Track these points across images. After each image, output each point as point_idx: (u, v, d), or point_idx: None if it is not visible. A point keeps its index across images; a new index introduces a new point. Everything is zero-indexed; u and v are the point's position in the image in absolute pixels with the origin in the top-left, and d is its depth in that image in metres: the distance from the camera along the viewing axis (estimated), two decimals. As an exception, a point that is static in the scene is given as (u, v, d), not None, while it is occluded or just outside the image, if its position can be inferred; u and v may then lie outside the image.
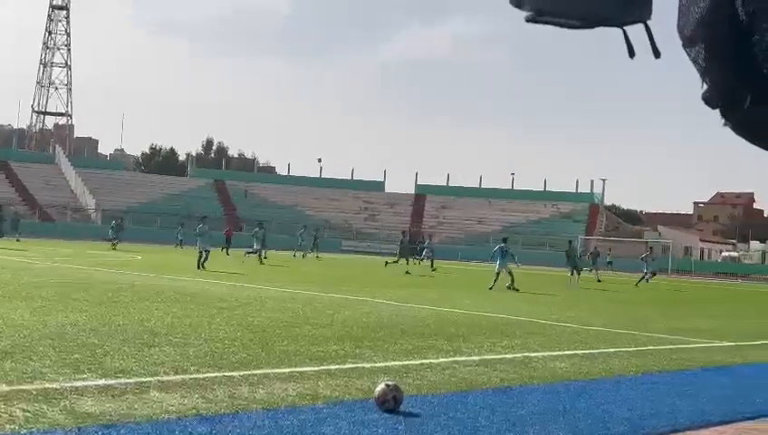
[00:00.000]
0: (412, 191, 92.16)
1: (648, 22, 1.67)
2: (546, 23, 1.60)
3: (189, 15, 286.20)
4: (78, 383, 7.29)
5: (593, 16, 1.61)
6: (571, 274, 34.72)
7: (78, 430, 5.76)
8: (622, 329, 16.06)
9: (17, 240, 47.94)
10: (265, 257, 39.45)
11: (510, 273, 27.85)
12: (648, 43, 1.67)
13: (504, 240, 29.61)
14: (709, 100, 1.69)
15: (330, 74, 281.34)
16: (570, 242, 39.18)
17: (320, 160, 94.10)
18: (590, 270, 40.95)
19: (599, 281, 38.38)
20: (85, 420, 6.03)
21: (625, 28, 1.64)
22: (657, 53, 1.66)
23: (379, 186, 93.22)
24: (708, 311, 24.48)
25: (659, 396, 8.82)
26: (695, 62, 1.68)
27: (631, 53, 1.65)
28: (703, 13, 1.65)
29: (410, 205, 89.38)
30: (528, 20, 1.60)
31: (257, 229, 40.65)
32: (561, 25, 1.62)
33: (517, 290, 26.81)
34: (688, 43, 1.68)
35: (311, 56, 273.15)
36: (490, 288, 27.00)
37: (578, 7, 1.60)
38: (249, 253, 39.73)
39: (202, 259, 30.08)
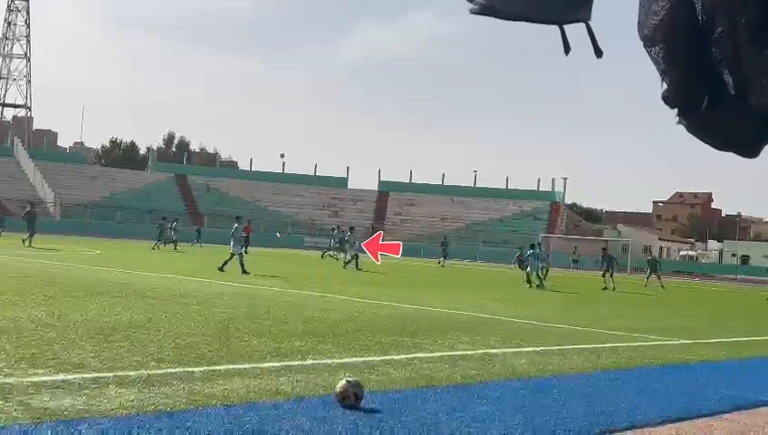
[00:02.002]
0: (375, 188, 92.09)
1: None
2: (490, 15, 1.63)
3: (152, 12, 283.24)
4: (35, 378, 7.20)
5: (536, 15, 1.64)
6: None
7: (35, 426, 5.69)
8: (580, 326, 16.22)
9: None
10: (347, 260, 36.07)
11: (528, 274, 31.97)
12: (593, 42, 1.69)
13: (532, 246, 33.15)
14: (668, 99, 1.71)
15: (293, 71, 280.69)
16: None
17: (282, 156, 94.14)
18: (656, 276, 40.27)
19: (662, 287, 38.23)
20: (42, 415, 5.95)
21: (565, 27, 1.67)
22: (598, 53, 1.68)
23: (342, 182, 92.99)
24: (665, 309, 24.78)
25: (617, 393, 8.92)
26: (655, 61, 1.70)
27: (567, 50, 1.67)
28: (662, 13, 1.67)
29: (374, 201, 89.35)
30: (473, 12, 1.63)
31: (350, 234, 37.00)
32: (504, 18, 1.64)
33: (534, 286, 30.73)
34: (649, 43, 1.70)
35: (275, 53, 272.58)
36: (539, 286, 30.88)
37: (521, 5, 1.63)
38: (348, 262, 35.26)
39: (232, 261, 26.30)
